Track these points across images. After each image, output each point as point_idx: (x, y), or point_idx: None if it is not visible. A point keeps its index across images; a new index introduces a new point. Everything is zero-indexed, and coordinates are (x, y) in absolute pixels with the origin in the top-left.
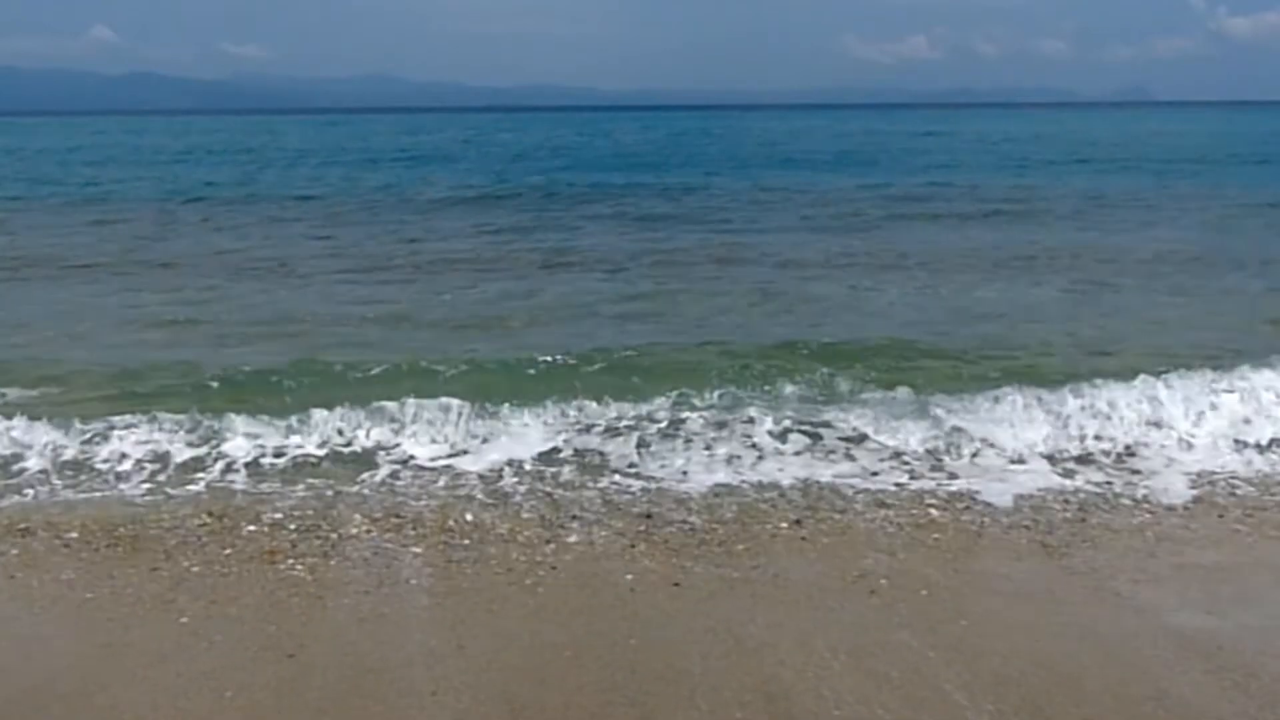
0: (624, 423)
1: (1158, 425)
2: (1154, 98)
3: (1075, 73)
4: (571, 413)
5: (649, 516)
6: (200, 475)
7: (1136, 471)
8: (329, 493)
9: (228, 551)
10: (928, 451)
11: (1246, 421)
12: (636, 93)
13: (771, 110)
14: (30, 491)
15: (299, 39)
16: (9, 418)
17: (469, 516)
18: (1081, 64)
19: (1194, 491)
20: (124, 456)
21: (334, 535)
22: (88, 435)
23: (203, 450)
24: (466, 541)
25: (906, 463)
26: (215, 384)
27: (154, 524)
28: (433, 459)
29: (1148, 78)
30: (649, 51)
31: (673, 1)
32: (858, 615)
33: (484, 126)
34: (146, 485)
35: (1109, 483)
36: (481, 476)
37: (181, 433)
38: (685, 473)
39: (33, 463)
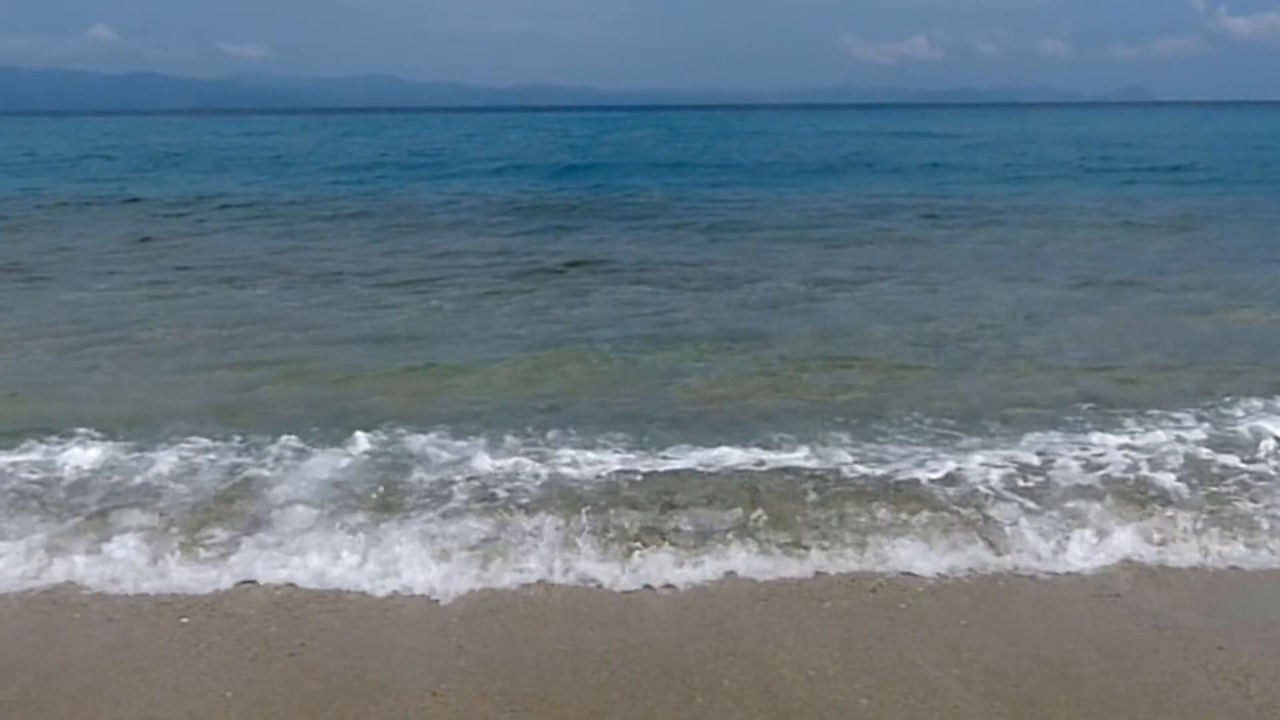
0: (625, 421)
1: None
2: (1154, 98)
3: (1075, 73)
4: (573, 410)
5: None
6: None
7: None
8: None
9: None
10: (928, 449)
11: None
12: (636, 93)
13: (773, 110)
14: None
15: (298, 39)
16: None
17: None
18: (1081, 64)
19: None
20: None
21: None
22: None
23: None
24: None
25: (906, 462)
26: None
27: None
28: (433, 458)
29: (1148, 78)
30: (649, 51)
31: (672, 1)
32: (857, 614)
33: (490, 126)
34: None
35: (1109, 482)
36: (482, 475)
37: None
38: (685, 471)
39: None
